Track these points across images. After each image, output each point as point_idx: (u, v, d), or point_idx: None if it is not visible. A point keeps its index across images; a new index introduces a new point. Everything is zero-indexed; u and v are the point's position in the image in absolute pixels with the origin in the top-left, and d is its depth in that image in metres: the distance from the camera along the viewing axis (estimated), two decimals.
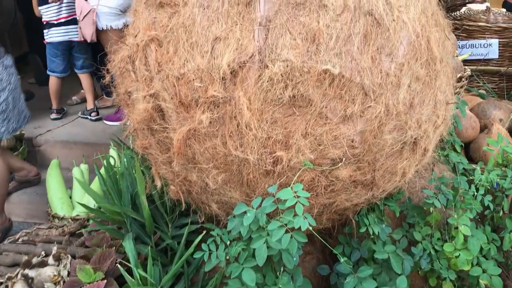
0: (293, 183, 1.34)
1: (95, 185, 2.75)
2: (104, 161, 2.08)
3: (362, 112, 1.37)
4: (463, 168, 1.92)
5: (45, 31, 3.99)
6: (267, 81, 1.31)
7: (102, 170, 2.10)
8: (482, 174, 1.72)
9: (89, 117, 4.20)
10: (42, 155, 3.82)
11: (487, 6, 3.58)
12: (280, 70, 1.30)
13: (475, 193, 1.76)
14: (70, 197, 2.99)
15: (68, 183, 3.10)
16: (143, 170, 1.85)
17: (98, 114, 4.21)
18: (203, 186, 1.54)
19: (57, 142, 3.81)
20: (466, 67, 3.27)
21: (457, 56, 2.42)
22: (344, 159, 1.40)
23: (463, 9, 3.65)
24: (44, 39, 4.02)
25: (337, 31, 1.32)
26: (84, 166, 3.06)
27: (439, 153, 2.16)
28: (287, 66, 1.30)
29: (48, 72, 4.11)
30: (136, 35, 1.53)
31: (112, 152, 2.71)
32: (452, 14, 3.65)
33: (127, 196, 1.95)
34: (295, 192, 1.29)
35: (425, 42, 1.46)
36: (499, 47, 3.39)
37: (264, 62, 1.31)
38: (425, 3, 1.49)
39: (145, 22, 1.49)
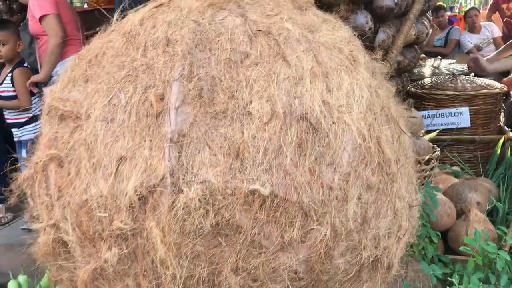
0: None
1: None
2: None
3: (304, 237, 1.13)
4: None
5: None
6: (183, 208, 1.07)
7: None
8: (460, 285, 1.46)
9: None
10: None
11: (453, 73, 3.47)
12: (198, 194, 1.06)
13: None
14: None
15: None
16: None
17: None
18: None
19: None
20: (437, 141, 3.11)
21: (423, 135, 2.24)
22: None
23: (427, 80, 3.54)
24: None
25: (265, 143, 1.11)
26: None
27: (413, 249, 1.91)
28: (206, 188, 1.07)
29: None
30: (37, 153, 1.30)
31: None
32: (419, 83, 3.53)
33: None
34: None
35: (375, 144, 1.25)
36: (470, 114, 3.24)
37: (177, 185, 1.08)
38: (371, 98, 1.30)
39: (46, 137, 1.27)
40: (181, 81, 1.12)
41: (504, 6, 6.38)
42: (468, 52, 6.27)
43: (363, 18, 2.06)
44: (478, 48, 6.27)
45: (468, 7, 7.74)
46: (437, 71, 4.00)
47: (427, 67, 4.17)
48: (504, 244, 1.90)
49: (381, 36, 2.17)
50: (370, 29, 2.07)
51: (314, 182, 1.13)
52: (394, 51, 2.31)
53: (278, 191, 1.09)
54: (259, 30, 1.25)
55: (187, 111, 1.11)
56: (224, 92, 1.15)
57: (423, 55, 4.77)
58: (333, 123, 1.19)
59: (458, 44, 6.44)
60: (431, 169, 2.15)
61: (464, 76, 3.54)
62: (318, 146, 1.16)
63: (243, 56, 1.21)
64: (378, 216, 1.24)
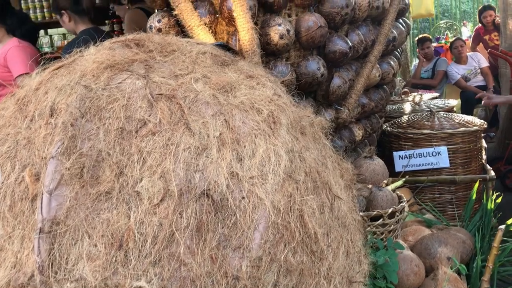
0: None
1: None
2: None
3: None
4: None
5: None
6: None
7: None
8: None
9: None
10: None
11: (431, 111, 3.33)
12: None
13: None
14: None
15: None
16: None
17: None
18: None
19: None
20: (415, 182, 2.94)
21: (386, 184, 2.07)
22: None
23: (405, 118, 3.40)
24: None
25: (154, 229, 0.95)
26: None
27: None
28: (82, 287, 0.91)
29: None
30: None
31: None
32: (396, 121, 3.40)
33: None
34: None
35: (296, 219, 1.09)
36: (449, 154, 3.09)
37: (48, 284, 0.91)
38: (292, 165, 1.15)
39: None
40: (59, 158, 0.98)
41: (487, 37, 6.33)
42: (456, 83, 6.18)
43: (315, 64, 1.93)
44: (466, 79, 6.18)
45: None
46: (417, 107, 3.87)
47: (408, 103, 4.04)
48: None
49: (336, 82, 2.03)
50: (323, 75, 1.94)
51: (217, 272, 0.97)
52: (353, 96, 2.17)
53: (170, 287, 0.93)
54: (161, 94, 1.11)
55: (64, 193, 0.96)
56: (111, 168, 1.00)
57: (406, 90, 4.66)
58: (242, 198, 1.03)
59: (446, 75, 6.36)
60: (396, 222, 1.98)
61: (442, 113, 3.40)
62: (223, 227, 1.00)
63: (140, 124, 1.07)
64: None
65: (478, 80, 6.12)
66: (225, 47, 1.66)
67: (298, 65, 1.99)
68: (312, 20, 1.95)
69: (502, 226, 1.73)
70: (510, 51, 4.83)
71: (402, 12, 2.65)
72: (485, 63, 6.09)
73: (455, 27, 9.00)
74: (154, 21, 1.88)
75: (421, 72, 6.54)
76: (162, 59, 1.26)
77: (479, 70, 6.11)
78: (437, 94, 4.62)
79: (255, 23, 1.84)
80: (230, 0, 1.77)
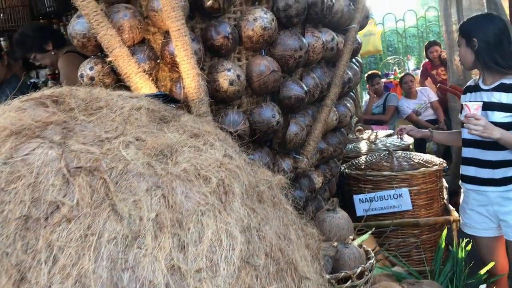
0: None
1: None
2: None
3: None
4: None
5: None
6: None
7: None
8: None
9: None
10: None
11: (389, 151, 3.23)
12: None
13: None
14: None
15: None
16: None
17: None
18: None
19: None
20: (378, 227, 2.77)
21: (352, 241, 1.89)
22: None
23: (362, 159, 3.29)
24: None
25: None
26: None
27: None
28: None
29: None
30: None
31: None
32: (354, 162, 3.27)
33: None
34: None
35: None
36: (410, 195, 2.97)
37: None
38: (250, 246, 0.93)
39: None
40: None
41: (434, 72, 6.47)
42: (408, 118, 6.23)
43: (269, 112, 1.75)
44: (417, 113, 6.25)
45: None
46: (373, 146, 3.78)
47: (364, 142, 3.95)
48: None
49: (293, 129, 1.86)
50: (278, 123, 1.76)
51: None
52: (311, 143, 2.01)
53: None
54: (79, 167, 0.88)
55: None
56: (8, 274, 0.75)
57: (359, 127, 4.59)
58: None
59: (397, 110, 6.41)
60: (366, 282, 1.79)
61: (401, 153, 3.31)
62: None
63: (51, 209, 0.82)
64: None
65: (429, 114, 6.20)
66: (167, 97, 1.45)
67: (251, 112, 1.80)
68: (264, 64, 1.78)
69: (483, 286, 1.57)
70: (458, 85, 4.89)
71: (356, 51, 2.55)
72: (434, 97, 6.18)
73: (402, 63, 9.24)
74: (85, 69, 1.65)
75: (372, 108, 6.56)
76: (86, 119, 1.03)
77: (429, 104, 6.20)
78: (391, 131, 4.58)
79: (202, 69, 1.65)
80: (172, 44, 1.58)
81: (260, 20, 1.73)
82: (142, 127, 1.06)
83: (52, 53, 3.14)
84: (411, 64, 10.28)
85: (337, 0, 2.14)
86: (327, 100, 2.13)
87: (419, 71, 7.47)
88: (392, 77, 8.06)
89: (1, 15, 4.07)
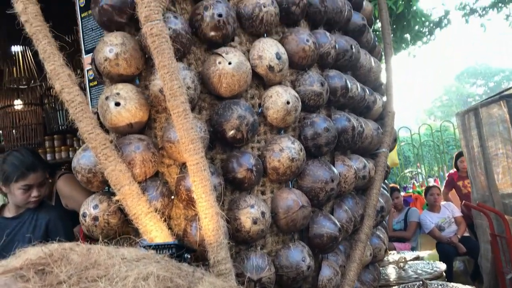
0: None
1: None
2: None
3: None
4: None
5: None
6: None
7: None
8: None
9: None
10: None
11: (422, 281, 2.88)
12: None
13: None
14: None
15: None
16: None
17: None
18: None
19: None
20: None
21: None
22: None
23: None
24: None
25: None
26: None
27: None
28: None
29: None
30: None
31: None
32: None
33: None
34: None
35: None
36: None
37: None
38: None
39: None
40: None
41: (460, 183, 6.23)
42: (430, 233, 5.87)
43: (299, 254, 1.50)
44: (440, 228, 5.90)
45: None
46: (403, 273, 3.42)
47: (391, 267, 3.60)
48: None
49: (326, 273, 1.59)
50: (309, 267, 1.49)
51: None
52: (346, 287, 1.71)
53: None
54: None
55: None
56: None
57: None
58: None
59: (419, 225, 6.07)
60: None
61: (435, 284, 2.95)
62: None
63: None
64: None
65: (453, 230, 5.85)
66: (180, 247, 1.22)
67: (277, 255, 1.55)
68: (291, 199, 1.56)
69: None
70: (483, 202, 4.62)
71: (386, 176, 2.35)
72: (458, 213, 5.88)
73: (420, 176, 9.05)
74: (89, 207, 1.44)
75: (392, 224, 6.24)
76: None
77: (453, 220, 5.87)
78: (419, 253, 4.22)
79: (221, 205, 1.44)
80: (189, 179, 1.38)
81: (287, 150, 1.55)
82: None
83: (50, 181, 2.94)
84: (422, 171, 10.10)
85: (366, 124, 1.99)
86: (361, 234, 1.87)
87: (431, 179, 7.22)
88: (410, 191, 7.81)
89: (14, 131, 4.01)
